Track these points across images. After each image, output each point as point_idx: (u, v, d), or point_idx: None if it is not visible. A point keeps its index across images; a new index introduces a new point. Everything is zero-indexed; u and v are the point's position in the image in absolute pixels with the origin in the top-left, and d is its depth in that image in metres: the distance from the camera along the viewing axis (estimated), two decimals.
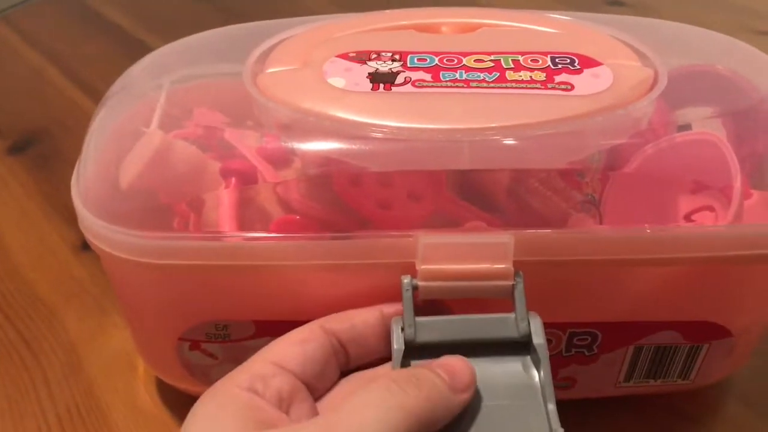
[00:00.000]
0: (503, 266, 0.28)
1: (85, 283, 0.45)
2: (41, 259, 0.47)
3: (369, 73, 0.31)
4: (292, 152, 0.32)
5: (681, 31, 0.38)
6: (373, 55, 0.32)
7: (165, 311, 0.32)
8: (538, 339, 0.27)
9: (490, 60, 0.32)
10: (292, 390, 0.27)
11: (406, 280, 0.28)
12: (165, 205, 0.32)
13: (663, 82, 0.31)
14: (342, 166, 0.30)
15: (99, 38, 0.70)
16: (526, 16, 0.36)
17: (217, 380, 0.34)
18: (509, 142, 0.29)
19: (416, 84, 0.30)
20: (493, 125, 0.29)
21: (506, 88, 0.30)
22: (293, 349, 0.28)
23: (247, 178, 0.32)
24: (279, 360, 0.27)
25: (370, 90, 0.30)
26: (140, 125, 0.32)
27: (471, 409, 0.27)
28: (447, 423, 0.26)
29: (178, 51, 0.37)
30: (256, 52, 0.34)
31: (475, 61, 0.32)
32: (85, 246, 0.31)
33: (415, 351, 0.28)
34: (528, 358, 0.28)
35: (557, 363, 0.34)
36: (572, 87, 0.30)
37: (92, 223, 0.30)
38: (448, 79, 0.31)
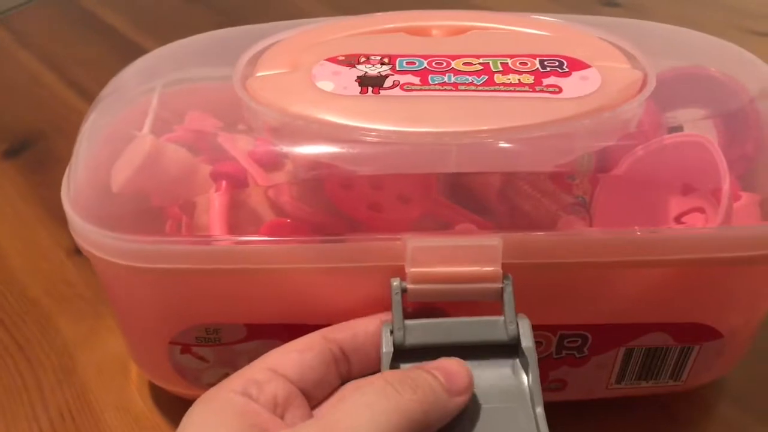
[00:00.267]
0: (492, 269, 0.28)
1: (78, 287, 0.45)
2: (35, 262, 0.47)
3: (358, 77, 0.31)
4: (283, 155, 0.32)
5: (671, 33, 0.38)
6: (362, 59, 0.32)
7: (156, 315, 0.33)
8: (527, 342, 0.27)
9: (479, 63, 0.32)
10: (288, 396, 0.26)
11: (395, 282, 0.28)
12: (156, 208, 0.32)
13: (652, 84, 0.31)
14: (332, 170, 0.30)
15: (95, 41, 0.70)
16: (516, 18, 0.36)
17: (208, 383, 0.34)
18: (497, 145, 0.29)
19: (405, 87, 0.30)
20: (481, 128, 0.29)
21: (494, 91, 0.30)
22: (291, 356, 0.27)
23: (237, 182, 0.32)
24: (275, 366, 0.27)
25: (358, 93, 0.30)
26: (132, 129, 0.32)
27: (460, 411, 0.27)
28: (442, 425, 0.26)
29: (169, 54, 0.37)
30: (246, 56, 0.34)
31: (463, 64, 0.32)
32: (79, 250, 0.31)
33: (405, 354, 0.28)
34: (517, 361, 0.28)
35: (548, 365, 0.34)
36: (560, 90, 0.30)
37: (82, 227, 0.30)
38: (436, 82, 0.31)
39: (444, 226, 0.32)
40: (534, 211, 0.32)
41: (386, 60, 0.32)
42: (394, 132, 0.29)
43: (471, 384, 0.26)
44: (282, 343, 0.32)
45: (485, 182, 0.33)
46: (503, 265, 0.28)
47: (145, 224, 0.31)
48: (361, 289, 0.30)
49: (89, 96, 0.61)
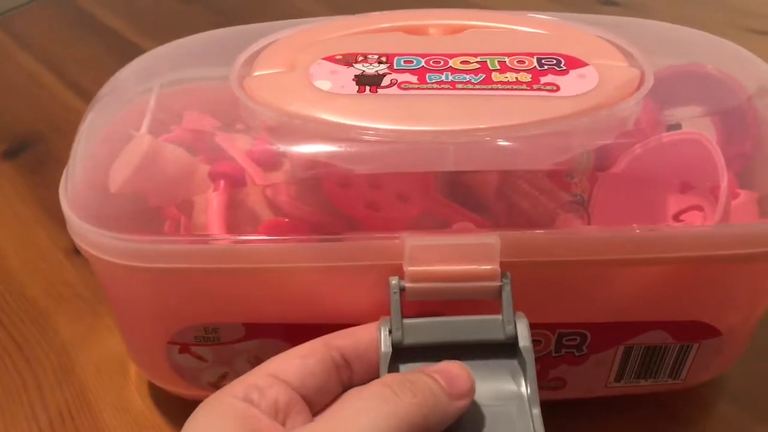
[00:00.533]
0: (490, 267, 0.28)
1: (77, 287, 0.45)
2: (33, 262, 0.47)
3: (355, 76, 0.31)
4: (281, 155, 0.32)
5: (669, 31, 0.38)
6: (360, 58, 0.32)
7: (154, 314, 0.33)
8: (524, 342, 0.27)
9: (476, 62, 0.32)
10: (289, 402, 0.26)
11: (393, 281, 0.28)
12: (154, 208, 0.32)
13: (649, 82, 0.31)
14: (330, 169, 0.30)
15: (93, 42, 0.70)
16: (513, 17, 0.36)
17: (207, 383, 0.35)
18: (495, 143, 0.29)
19: (402, 86, 0.30)
20: (479, 127, 0.29)
21: (492, 89, 0.30)
22: (293, 362, 0.27)
23: (235, 181, 0.32)
24: (277, 372, 0.27)
25: (356, 92, 0.30)
26: (130, 129, 0.32)
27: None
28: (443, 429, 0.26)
29: (167, 54, 0.37)
30: (244, 55, 0.34)
31: (461, 62, 0.32)
32: (78, 250, 0.31)
33: (404, 355, 0.28)
34: (515, 360, 0.28)
35: (547, 363, 0.34)
36: (558, 88, 0.30)
37: (80, 227, 0.30)
38: (434, 81, 0.31)
39: (442, 225, 0.32)
40: (532, 209, 0.32)
41: (384, 59, 0.32)
42: (392, 131, 0.29)
43: (472, 388, 0.26)
44: (281, 342, 0.32)
45: (483, 181, 0.33)
46: (501, 264, 0.28)
47: (143, 224, 0.31)
48: (359, 288, 0.30)
49: (88, 96, 0.60)
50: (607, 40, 0.34)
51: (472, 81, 0.31)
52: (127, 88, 0.35)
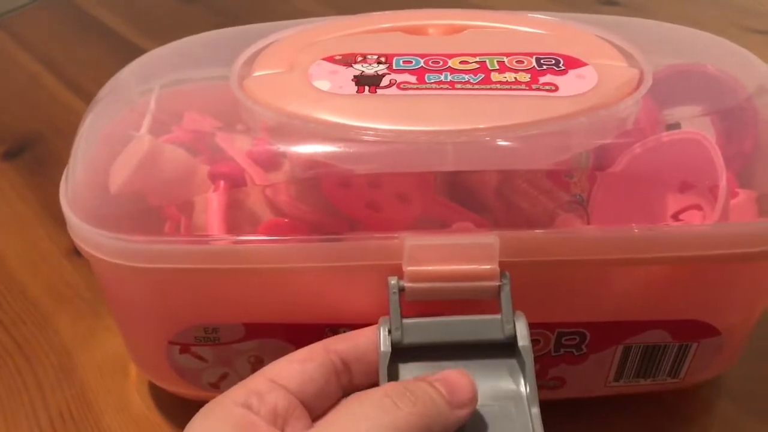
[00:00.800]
0: (489, 267, 0.28)
1: (78, 288, 0.45)
2: (34, 263, 0.47)
3: (354, 76, 0.31)
4: (281, 155, 0.32)
5: (668, 31, 0.38)
6: (359, 58, 0.32)
7: (154, 315, 0.33)
8: (523, 342, 0.27)
9: (475, 62, 0.32)
10: (288, 407, 0.26)
11: (392, 281, 0.28)
12: (154, 209, 0.32)
13: (648, 82, 0.31)
14: (330, 169, 0.30)
15: (94, 43, 0.70)
16: (512, 17, 0.36)
17: (207, 383, 0.35)
18: (494, 143, 0.29)
19: (401, 86, 0.30)
20: (478, 126, 0.29)
21: (491, 89, 0.30)
22: (292, 367, 0.27)
23: (235, 181, 0.32)
24: (276, 377, 0.27)
25: (355, 93, 0.30)
26: (130, 129, 0.32)
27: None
28: None
29: (167, 55, 0.37)
30: (244, 56, 0.34)
31: (460, 62, 0.32)
32: (78, 250, 0.31)
33: (403, 355, 0.28)
34: (514, 360, 0.28)
35: (546, 363, 0.34)
36: (557, 88, 0.30)
37: (81, 228, 0.30)
38: (433, 81, 0.31)
39: (441, 225, 0.32)
40: (531, 209, 0.32)
41: (383, 59, 0.32)
42: (391, 131, 0.29)
43: (475, 397, 0.26)
44: (281, 343, 0.32)
45: (482, 180, 0.33)
46: (500, 263, 0.28)
47: (144, 224, 0.31)
48: (359, 288, 0.30)
49: (88, 97, 0.60)
50: (607, 40, 0.34)
51: (471, 81, 0.31)
52: (127, 89, 0.35)
